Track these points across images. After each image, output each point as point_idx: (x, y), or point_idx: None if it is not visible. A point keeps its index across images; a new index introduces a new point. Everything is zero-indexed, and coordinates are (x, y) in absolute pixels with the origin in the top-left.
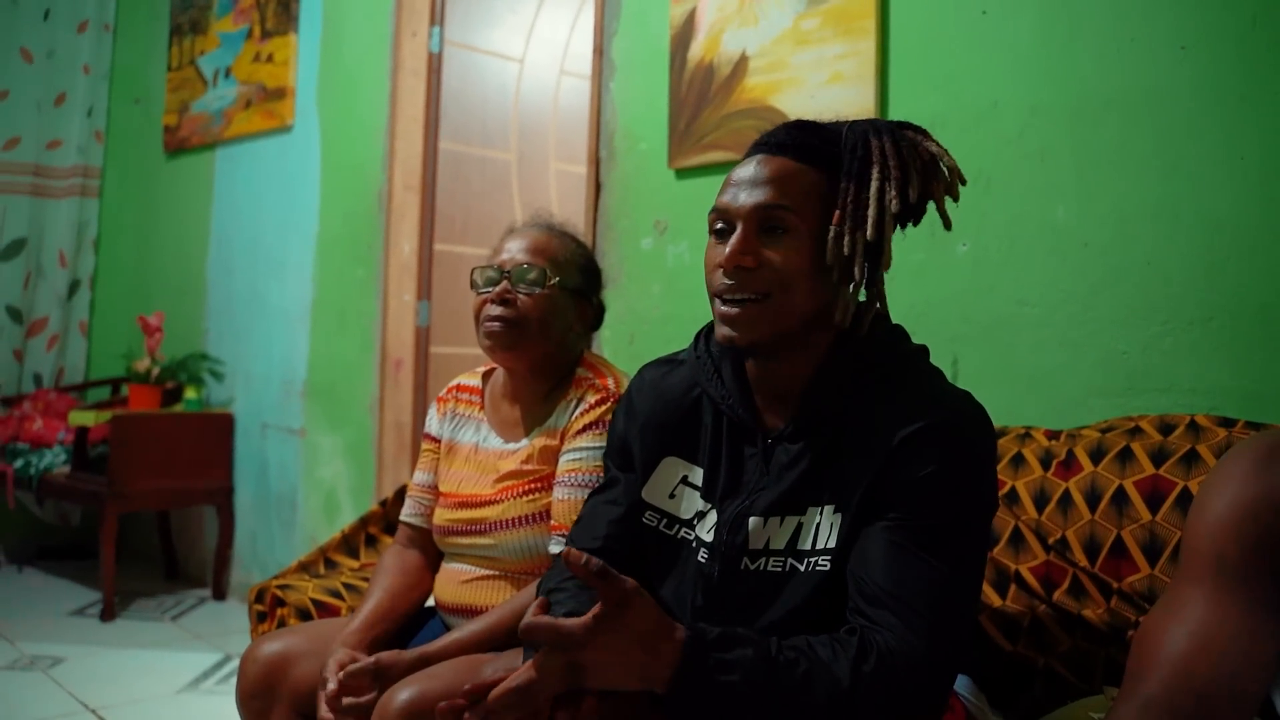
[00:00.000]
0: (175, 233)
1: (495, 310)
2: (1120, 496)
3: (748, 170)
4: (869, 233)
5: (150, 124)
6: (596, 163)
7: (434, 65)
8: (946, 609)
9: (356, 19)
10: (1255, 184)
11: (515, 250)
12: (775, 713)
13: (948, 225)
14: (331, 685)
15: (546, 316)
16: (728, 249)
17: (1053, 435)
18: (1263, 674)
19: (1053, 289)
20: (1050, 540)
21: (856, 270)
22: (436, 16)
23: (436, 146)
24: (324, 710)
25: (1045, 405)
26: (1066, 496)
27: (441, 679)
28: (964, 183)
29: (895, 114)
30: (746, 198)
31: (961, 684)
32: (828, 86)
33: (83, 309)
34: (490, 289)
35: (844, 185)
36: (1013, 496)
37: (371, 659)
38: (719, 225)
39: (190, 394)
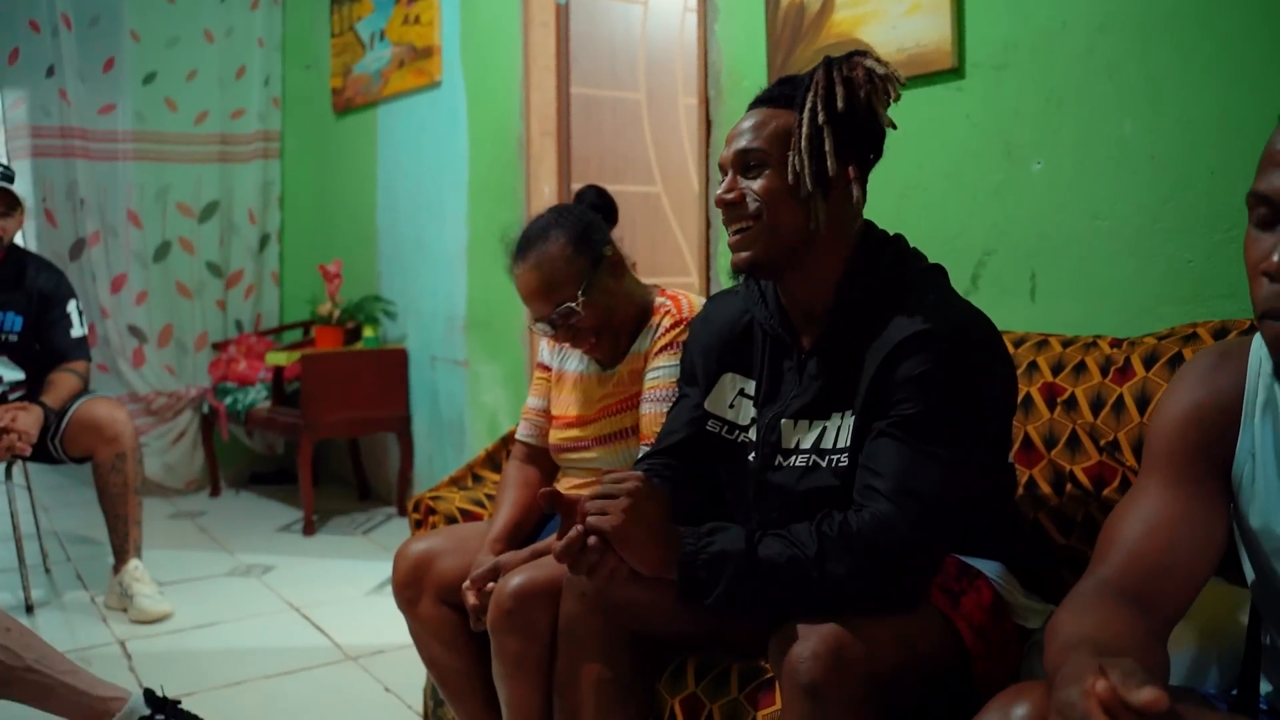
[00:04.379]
0: (347, 186)
1: (575, 346)
2: None
3: (738, 126)
4: (803, 145)
5: (320, 87)
6: (707, 101)
7: (561, 15)
8: (927, 490)
9: None
10: None
11: (536, 305)
12: (761, 584)
13: (892, 125)
14: (471, 600)
15: (602, 314)
16: (719, 191)
17: (1116, 344)
18: (1204, 555)
19: (1122, 202)
20: (1102, 442)
21: (809, 181)
22: None
23: (569, 92)
24: (469, 597)
25: (1117, 315)
26: (1120, 401)
27: (545, 567)
28: (902, 84)
29: (971, 39)
30: (730, 148)
31: (992, 568)
32: (908, 17)
33: (273, 260)
34: (552, 332)
35: (796, 116)
36: (1071, 402)
37: (493, 560)
38: (721, 173)
39: (368, 332)
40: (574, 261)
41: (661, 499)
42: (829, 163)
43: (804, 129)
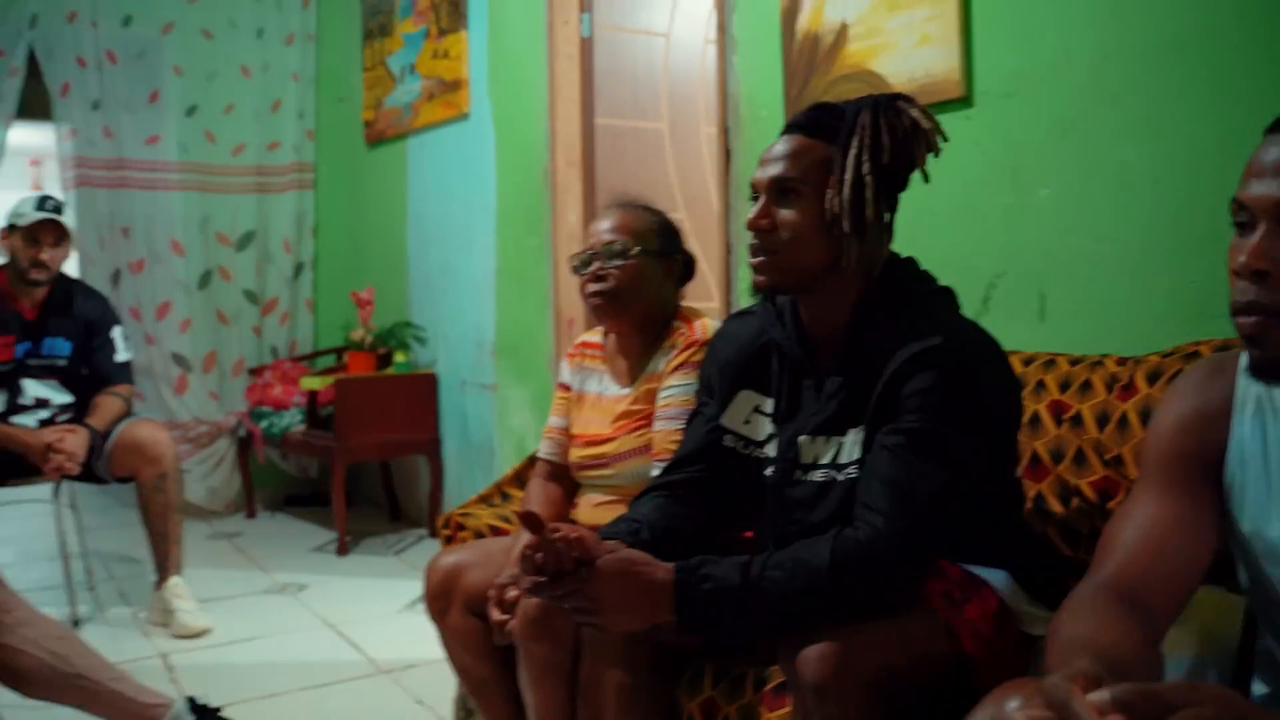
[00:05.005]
0: (379, 215)
1: (593, 286)
2: None
3: (772, 149)
4: (845, 193)
5: (352, 120)
6: (725, 131)
7: (586, 48)
8: (920, 503)
9: (516, 13)
10: None
11: (600, 232)
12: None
13: (925, 179)
14: (496, 615)
15: (635, 282)
16: (751, 214)
17: (1121, 362)
18: (1197, 559)
19: (1127, 225)
20: (1107, 456)
21: (846, 224)
22: (586, 4)
23: (593, 123)
24: (494, 613)
25: (1123, 334)
26: (1124, 418)
27: None
28: (945, 139)
29: (979, 69)
30: (765, 172)
31: (998, 578)
32: (918, 48)
33: (307, 288)
34: (585, 270)
35: (837, 156)
36: (1077, 419)
37: (512, 572)
38: (752, 195)
39: (399, 358)
40: (652, 229)
41: (620, 562)
42: (868, 210)
43: (848, 174)
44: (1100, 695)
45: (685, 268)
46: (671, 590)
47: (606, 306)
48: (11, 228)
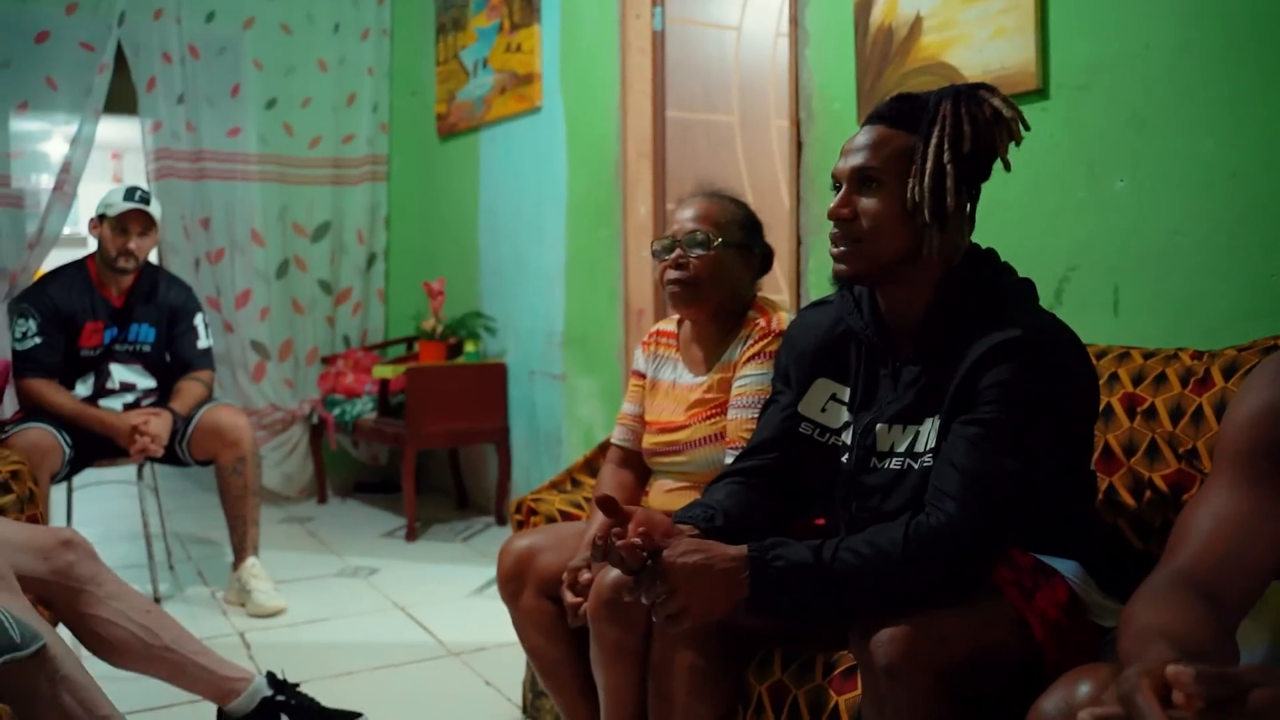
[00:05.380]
0: (450, 207)
1: (673, 274)
2: None
3: (854, 139)
4: (926, 182)
5: (425, 113)
6: (798, 123)
7: (657, 42)
8: (995, 493)
9: (588, 7)
10: None
11: (683, 220)
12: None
13: (1007, 167)
14: (570, 598)
15: (715, 273)
16: (833, 203)
17: (1197, 356)
18: (1269, 550)
19: (1204, 218)
20: (1181, 450)
21: (927, 213)
22: None
23: (664, 116)
24: (567, 595)
25: (1199, 329)
26: (1199, 411)
27: None
28: (1027, 128)
29: (1055, 62)
30: (846, 162)
31: (1069, 568)
32: (993, 40)
33: (379, 279)
34: (667, 256)
35: (919, 145)
36: (1151, 412)
37: (586, 556)
38: (834, 186)
39: (469, 347)
40: (736, 220)
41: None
42: (949, 198)
43: (929, 164)
44: (1180, 669)
45: (764, 261)
46: (745, 568)
47: (684, 295)
48: (101, 217)
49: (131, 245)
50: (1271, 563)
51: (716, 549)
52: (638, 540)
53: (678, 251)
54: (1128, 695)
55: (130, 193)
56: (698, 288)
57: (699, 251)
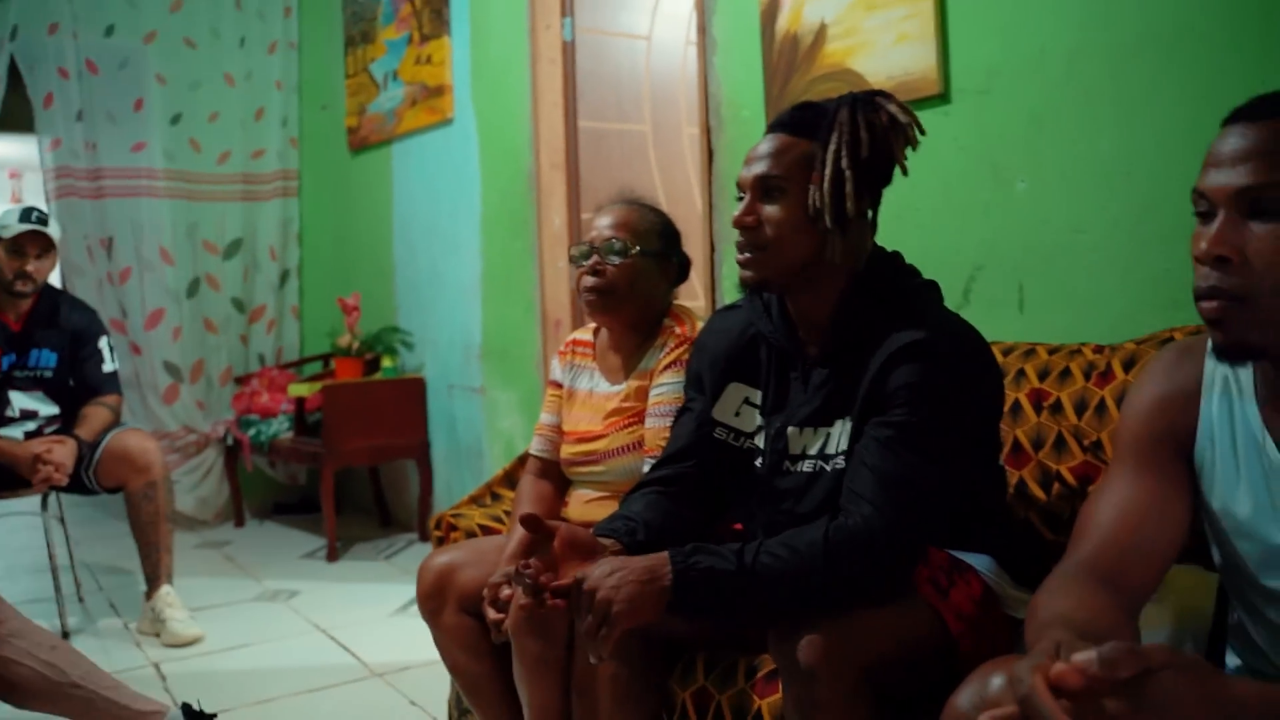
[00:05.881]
0: (364, 222)
1: (589, 281)
2: None
3: (756, 148)
4: (826, 187)
5: (335, 127)
6: (708, 131)
7: (568, 52)
8: (909, 493)
9: (499, 18)
10: None
11: (601, 227)
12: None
13: (904, 171)
14: (492, 614)
15: (632, 280)
16: (737, 212)
17: (1098, 350)
18: (1171, 536)
19: (1103, 216)
20: (1086, 442)
21: (828, 218)
22: (567, 8)
23: (576, 126)
24: (489, 612)
25: (1101, 323)
26: (1102, 404)
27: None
28: (923, 133)
29: (955, 66)
30: (750, 171)
31: (983, 563)
32: (896, 46)
33: (293, 295)
34: (584, 263)
35: (818, 152)
36: (1056, 406)
37: (505, 571)
38: (738, 194)
39: (387, 363)
40: (654, 229)
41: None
42: (849, 204)
43: (828, 169)
44: (1086, 655)
45: (681, 269)
46: (668, 573)
47: (600, 302)
48: None
49: (29, 268)
50: (1171, 548)
51: (634, 563)
52: (540, 578)
53: (595, 259)
54: (1026, 696)
55: (26, 213)
56: (615, 295)
57: (616, 259)
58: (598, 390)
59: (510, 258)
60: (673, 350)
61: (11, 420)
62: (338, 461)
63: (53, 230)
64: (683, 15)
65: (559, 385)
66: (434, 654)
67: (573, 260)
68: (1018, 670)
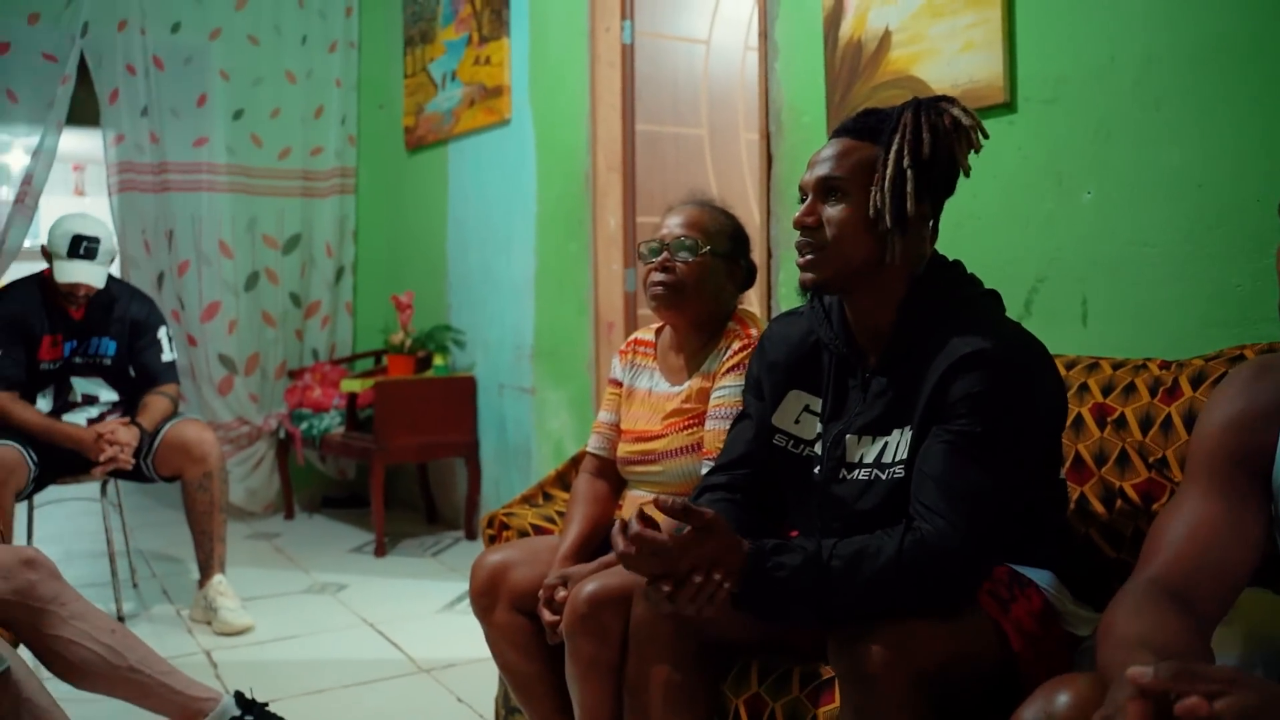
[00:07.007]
0: (419, 220)
1: (658, 277)
2: None
3: (820, 152)
4: (886, 187)
5: (393, 126)
6: (768, 136)
7: (627, 55)
8: (979, 506)
9: (558, 20)
10: None
11: (673, 225)
12: (826, 596)
13: (966, 173)
14: (548, 616)
15: (700, 280)
16: (798, 212)
17: (1165, 365)
18: (1244, 556)
19: (1171, 229)
20: (1151, 459)
21: (888, 219)
22: (627, 11)
23: (634, 129)
24: (545, 614)
25: (1166, 338)
26: (1168, 420)
27: (618, 575)
28: (986, 136)
29: (1022, 75)
30: (812, 174)
31: (1044, 578)
32: (961, 54)
33: (347, 292)
34: (654, 259)
35: (881, 154)
36: (1121, 422)
37: (560, 572)
38: (800, 197)
39: (438, 361)
40: (725, 231)
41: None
42: (909, 205)
43: (889, 169)
44: (1143, 670)
45: (748, 274)
46: (745, 560)
47: (667, 298)
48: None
49: (80, 291)
50: (1245, 569)
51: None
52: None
53: (665, 255)
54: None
55: (75, 245)
56: (682, 292)
57: (686, 256)
58: (657, 390)
59: (565, 259)
60: (736, 353)
61: (75, 405)
62: (387, 458)
63: (102, 252)
64: (742, 19)
65: (619, 383)
66: (481, 652)
67: (642, 257)
68: (1111, 694)
